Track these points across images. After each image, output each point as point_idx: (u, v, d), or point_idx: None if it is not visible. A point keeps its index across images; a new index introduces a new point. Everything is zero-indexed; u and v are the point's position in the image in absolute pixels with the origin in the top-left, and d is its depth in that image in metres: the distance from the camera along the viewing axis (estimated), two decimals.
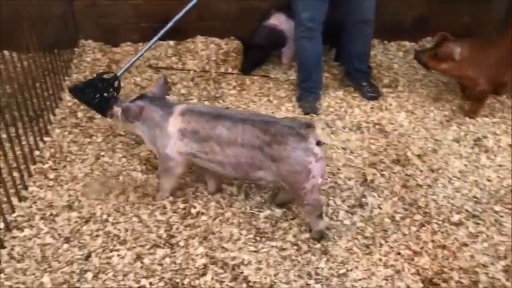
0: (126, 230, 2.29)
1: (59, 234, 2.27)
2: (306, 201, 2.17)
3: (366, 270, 2.13)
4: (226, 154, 2.19)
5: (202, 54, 3.75)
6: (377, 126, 3.04)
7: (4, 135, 2.42)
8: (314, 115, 3.13)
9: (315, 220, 2.21)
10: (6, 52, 2.46)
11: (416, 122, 3.09)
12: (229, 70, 3.59)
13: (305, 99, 3.22)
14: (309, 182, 2.12)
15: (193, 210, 2.39)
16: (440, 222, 2.38)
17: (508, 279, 2.11)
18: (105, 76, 2.79)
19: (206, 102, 3.23)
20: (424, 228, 2.34)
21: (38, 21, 2.88)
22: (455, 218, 2.39)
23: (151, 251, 2.20)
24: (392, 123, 3.07)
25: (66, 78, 3.40)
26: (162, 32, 2.95)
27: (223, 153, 2.19)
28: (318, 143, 2.10)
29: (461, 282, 2.09)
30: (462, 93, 3.29)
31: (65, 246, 2.21)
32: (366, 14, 3.13)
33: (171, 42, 3.88)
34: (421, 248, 2.24)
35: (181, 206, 2.42)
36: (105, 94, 2.72)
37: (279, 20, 3.46)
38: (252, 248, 2.21)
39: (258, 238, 2.27)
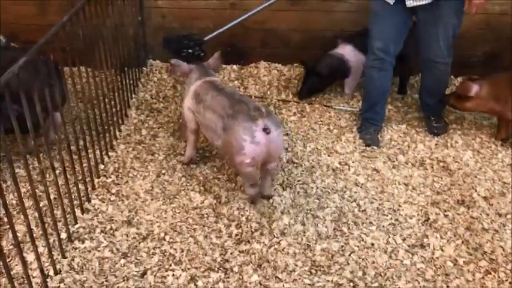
0: (182, 251, 2.30)
1: (117, 249, 2.31)
2: (239, 172, 2.51)
3: None
4: (205, 116, 2.55)
5: (264, 80, 3.78)
6: (441, 164, 2.94)
7: (73, 147, 2.51)
8: (375, 147, 3.07)
9: (247, 187, 2.50)
10: (82, 68, 2.58)
11: (483, 162, 2.97)
12: (290, 97, 3.60)
13: (366, 130, 3.17)
14: (238, 157, 2.34)
15: (247, 236, 2.38)
16: (508, 271, 2.24)
17: None
18: (195, 37, 3.22)
19: None
20: (489, 276, 2.22)
21: (111, 41, 3.01)
22: None
23: (206, 274, 2.19)
24: (457, 162, 2.96)
25: (133, 96, 3.51)
26: (251, 12, 3.30)
27: (204, 115, 2.56)
28: (265, 129, 2.27)
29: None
30: (497, 133, 3.20)
31: (122, 261, 2.25)
32: (432, 55, 2.99)
33: (235, 67, 3.95)
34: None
35: (235, 231, 2.41)
36: (190, 51, 3.14)
37: (344, 51, 3.46)
38: (307, 281, 2.16)
39: (313, 271, 2.22)
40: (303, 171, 2.86)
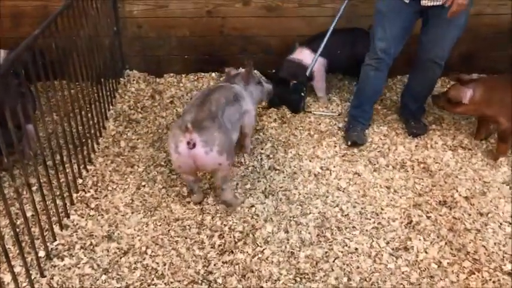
0: (164, 264, 2.26)
1: (98, 265, 2.26)
2: None
3: None
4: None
5: None
6: (422, 165, 2.95)
7: (50, 162, 2.46)
8: (356, 151, 3.07)
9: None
10: (56, 82, 2.53)
11: (463, 162, 2.99)
12: None
13: (353, 128, 3.17)
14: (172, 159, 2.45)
15: (230, 246, 2.35)
16: (491, 270, 2.25)
17: None
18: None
19: None
20: (473, 276, 2.23)
21: (87, 53, 2.96)
22: (508, 266, 2.26)
23: (189, 287, 2.16)
24: (437, 163, 2.97)
25: (111, 107, 3.46)
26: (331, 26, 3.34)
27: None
28: (188, 143, 2.30)
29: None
30: (477, 133, 3.19)
31: (103, 277, 2.20)
32: (434, 56, 3.01)
33: (214, 75, 3.92)
34: (456, 247, 2.12)
35: (218, 241, 2.38)
36: (302, 94, 3.37)
37: (303, 55, 3.45)
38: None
39: (298, 279, 2.20)
40: (284, 177, 2.84)
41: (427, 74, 3.11)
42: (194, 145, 2.31)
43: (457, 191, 2.73)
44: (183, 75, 3.89)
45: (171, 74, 3.91)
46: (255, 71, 2.86)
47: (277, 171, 2.90)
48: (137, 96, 3.64)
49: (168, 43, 3.83)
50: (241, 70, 2.98)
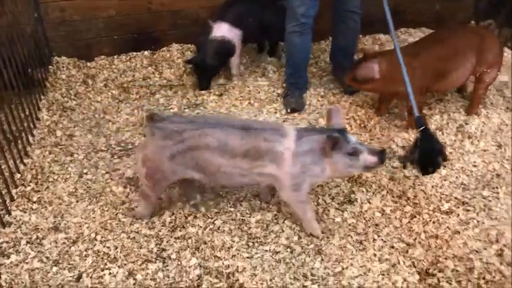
0: (116, 248, 2.24)
1: (47, 258, 2.21)
2: None
3: (361, 266, 2.12)
4: None
5: (178, 62, 3.71)
6: (358, 122, 3.04)
7: None
8: (296, 114, 3.12)
9: None
10: None
11: (395, 116, 3.10)
12: None
13: (291, 94, 3.22)
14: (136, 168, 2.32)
15: (181, 222, 2.36)
16: (431, 212, 2.38)
17: (501, 263, 2.11)
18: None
19: (187, 111, 3.19)
20: (415, 219, 2.35)
21: (7, 43, 2.81)
22: (445, 206, 2.40)
23: (143, 266, 2.15)
24: (372, 118, 3.07)
25: (42, 97, 3.33)
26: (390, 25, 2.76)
27: None
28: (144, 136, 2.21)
29: (457, 270, 2.09)
30: (377, 109, 3.09)
31: (54, 269, 2.15)
32: (350, 5, 3.14)
33: (146, 53, 3.84)
34: (414, 240, 2.24)
35: (169, 219, 2.38)
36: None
37: (222, 31, 3.33)
38: (246, 255, 2.18)
39: (250, 244, 2.24)
40: None
41: (348, 25, 3.20)
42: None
43: (394, 141, 2.84)
44: (115, 57, 3.78)
45: (102, 57, 3.79)
46: (352, 139, 2.15)
47: None
48: (69, 83, 3.51)
49: (95, 25, 3.70)
50: (342, 134, 2.13)
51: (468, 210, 2.38)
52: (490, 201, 2.43)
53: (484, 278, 2.06)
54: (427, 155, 2.54)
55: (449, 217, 2.34)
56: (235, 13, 3.38)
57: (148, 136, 2.20)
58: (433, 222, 2.32)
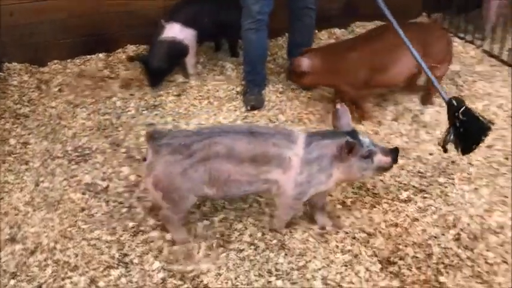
0: (76, 255, 2.19)
1: (4, 270, 2.13)
2: None
3: (324, 259, 2.14)
4: None
5: (135, 64, 3.64)
6: (317, 116, 3.07)
7: None
8: (256, 112, 3.13)
9: None
10: None
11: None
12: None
13: (251, 92, 3.22)
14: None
15: (143, 226, 2.32)
16: (390, 201, 2.43)
17: (459, 247, 2.18)
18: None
19: (145, 112, 3.15)
20: (375, 209, 2.39)
21: None
22: (404, 195, 2.45)
23: (105, 273, 2.11)
24: (328, 112, 3.09)
25: None
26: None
27: None
28: (144, 159, 2.12)
29: (417, 257, 2.14)
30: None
31: (12, 282, 2.09)
32: (306, 1, 3.17)
33: (101, 55, 3.76)
34: (375, 229, 2.28)
35: (131, 224, 2.34)
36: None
37: (174, 31, 3.29)
38: (210, 255, 2.17)
39: (214, 243, 2.23)
40: None
41: (304, 21, 3.24)
42: (144, 159, 2.11)
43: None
44: (69, 61, 3.69)
45: (55, 61, 3.69)
46: (365, 141, 2.09)
47: None
48: (21, 89, 3.40)
49: (47, 29, 3.61)
50: (343, 136, 2.06)
51: (426, 198, 2.44)
52: (446, 187, 2.50)
53: (443, 263, 2.11)
54: (473, 134, 2.32)
55: (408, 205, 2.39)
56: (188, 13, 3.35)
57: (153, 156, 2.06)
58: (393, 211, 2.36)
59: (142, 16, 3.74)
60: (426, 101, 3.11)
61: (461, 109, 2.24)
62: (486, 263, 2.11)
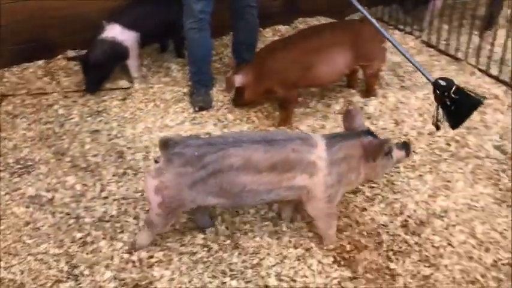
0: (22, 272, 2.11)
1: None
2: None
3: (277, 255, 2.15)
4: None
5: (76, 70, 3.54)
6: (265, 113, 3.09)
7: None
8: (204, 113, 3.11)
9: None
10: None
11: (300, 105, 3.18)
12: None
13: (198, 92, 3.19)
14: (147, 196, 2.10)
15: (91, 236, 2.26)
16: None
17: (407, 233, 2.24)
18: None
19: (89, 119, 3.07)
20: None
21: None
22: None
23: (54, 287, 2.04)
24: (277, 111, 3.11)
25: None
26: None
27: None
28: (156, 161, 2.06)
29: (368, 246, 2.19)
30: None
31: None
32: (246, 0, 3.16)
33: (40, 62, 3.63)
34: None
35: (79, 235, 2.27)
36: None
37: (114, 32, 3.24)
38: (162, 260, 2.14)
39: (166, 248, 2.20)
40: (136, 153, 2.79)
41: (247, 19, 3.24)
42: (157, 162, 2.04)
43: (299, 128, 2.92)
44: (5, 69, 3.54)
45: None
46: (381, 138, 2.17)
47: (130, 150, 2.82)
48: None
49: None
50: (376, 136, 2.13)
51: (373, 187, 2.50)
52: (392, 176, 2.56)
53: (392, 250, 2.17)
54: (465, 110, 2.36)
55: (356, 196, 2.44)
56: (130, 15, 3.30)
57: (164, 163, 1.99)
58: (342, 203, 2.40)
59: (82, 20, 3.62)
60: (368, 93, 3.18)
61: (453, 88, 2.29)
62: (433, 246, 2.18)
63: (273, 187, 2.03)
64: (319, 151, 2.03)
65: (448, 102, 2.29)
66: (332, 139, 2.09)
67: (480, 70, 3.41)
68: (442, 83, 2.33)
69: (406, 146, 2.21)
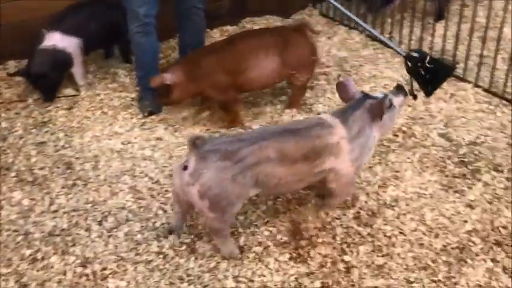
0: None
1: None
2: None
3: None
4: None
5: (19, 80, 3.41)
6: (217, 116, 3.07)
7: None
8: (154, 117, 3.07)
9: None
10: None
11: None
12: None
13: (145, 97, 3.14)
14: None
15: (42, 253, 2.19)
16: None
17: (359, 225, 2.29)
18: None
19: (33, 131, 2.97)
20: (279, 200, 2.44)
21: None
22: None
23: None
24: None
25: None
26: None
27: None
28: (185, 167, 1.99)
29: (324, 241, 2.21)
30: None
31: None
32: (193, 2, 3.14)
33: None
34: (281, 220, 2.32)
35: (28, 252, 2.19)
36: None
37: (55, 40, 3.14)
38: (117, 271, 2.10)
39: (120, 259, 2.15)
40: (85, 163, 2.72)
41: (193, 21, 3.22)
42: (186, 168, 1.98)
43: (251, 128, 2.93)
44: None
45: None
46: (379, 95, 2.26)
47: (78, 160, 2.75)
48: None
49: None
50: (374, 97, 2.24)
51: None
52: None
53: (346, 242, 2.21)
54: (440, 77, 2.56)
55: (309, 192, 2.46)
56: (71, 21, 3.20)
57: (198, 163, 1.95)
58: (296, 199, 2.43)
59: (23, 29, 3.49)
60: (291, 105, 3.07)
61: (427, 58, 2.45)
62: (385, 236, 2.24)
63: (305, 176, 2.11)
64: (339, 131, 2.12)
65: (423, 72, 2.44)
66: (344, 115, 2.18)
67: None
68: (415, 54, 2.51)
69: (400, 89, 2.30)
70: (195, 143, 1.96)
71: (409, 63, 2.47)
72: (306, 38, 3.01)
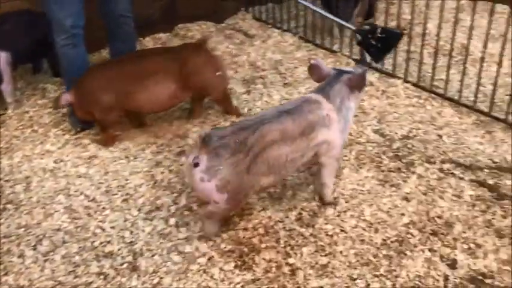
0: None
1: None
2: None
3: (178, 270, 2.10)
4: None
5: None
6: (165, 124, 3.02)
7: None
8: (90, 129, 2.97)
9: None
10: None
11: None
12: None
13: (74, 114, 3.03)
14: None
15: (5, 265, 2.06)
16: None
17: (302, 226, 2.30)
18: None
19: None
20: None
21: None
22: None
23: None
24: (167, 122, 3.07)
25: None
26: None
27: None
28: (195, 164, 2.03)
29: (267, 246, 2.20)
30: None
31: None
32: (122, 9, 3.07)
33: None
34: (226, 228, 2.29)
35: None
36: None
37: None
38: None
39: (57, 284, 2.06)
40: (16, 185, 2.58)
41: (123, 29, 3.15)
42: (196, 165, 2.01)
43: (189, 137, 2.90)
44: None
45: None
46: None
47: (8, 182, 2.61)
48: None
49: None
50: (348, 71, 2.41)
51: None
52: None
53: (289, 245, 2.21)
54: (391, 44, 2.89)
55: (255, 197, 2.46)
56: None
57: (212, 160, 2.01)
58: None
59: None
60: (229, 113, 3.06)
61: (379, 29, 2.79)
62: (327, 235, 2.26)
63: (305, 151, 2.21)
64: (325, 104, 2.25)
65: (374, 42, 2.78)
66: (323, 90, 2.31)
67: (354, 60, 3.61)
68: (366, 27, 2.89)
69: (363, 63, 2.67)
70: (204, 140, 2.01)
71: (359, 36, 2.80)
72: (206, 56, 2.89)
